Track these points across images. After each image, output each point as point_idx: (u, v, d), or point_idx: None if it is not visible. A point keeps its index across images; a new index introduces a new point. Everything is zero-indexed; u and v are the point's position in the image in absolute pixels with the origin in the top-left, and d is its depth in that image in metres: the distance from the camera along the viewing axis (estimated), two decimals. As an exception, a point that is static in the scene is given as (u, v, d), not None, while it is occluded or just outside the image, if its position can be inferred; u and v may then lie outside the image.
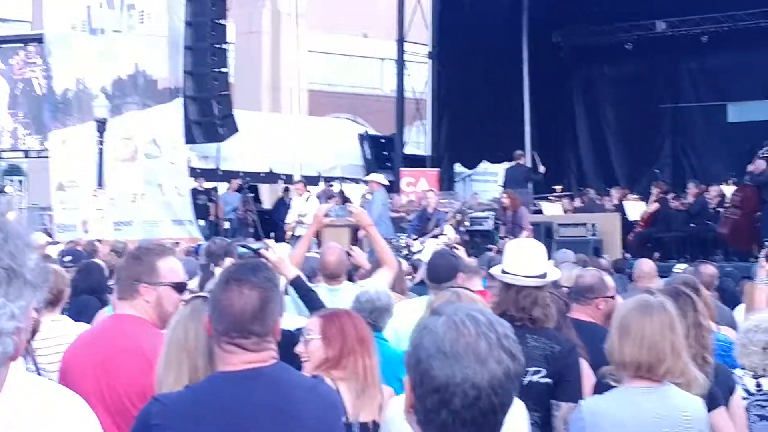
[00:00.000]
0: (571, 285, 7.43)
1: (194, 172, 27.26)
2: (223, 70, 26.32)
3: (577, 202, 25.74)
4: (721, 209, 22.45)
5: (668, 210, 23.09)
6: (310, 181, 27.52)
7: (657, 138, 31.56)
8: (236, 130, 26.09)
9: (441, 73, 30.48)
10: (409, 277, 11.63)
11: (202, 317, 3.83)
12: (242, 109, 30.38)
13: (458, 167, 30.32)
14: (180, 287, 4.70)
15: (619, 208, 23.79)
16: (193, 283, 8.03)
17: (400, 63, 30.56)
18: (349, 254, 8.44)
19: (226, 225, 25.97)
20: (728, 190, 23.21)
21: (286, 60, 35.71)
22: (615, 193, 25.45)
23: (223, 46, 26.40)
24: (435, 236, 21.31)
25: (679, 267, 14.44)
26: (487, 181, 29.50)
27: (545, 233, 20.71)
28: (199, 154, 27.28)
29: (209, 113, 25.76)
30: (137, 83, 27.48)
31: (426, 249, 19.78)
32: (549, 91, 32.12)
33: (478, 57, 29.09)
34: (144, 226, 25.81)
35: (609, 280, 7.31)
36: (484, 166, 30.34)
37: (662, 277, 11.13)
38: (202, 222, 26.03)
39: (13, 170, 43.28)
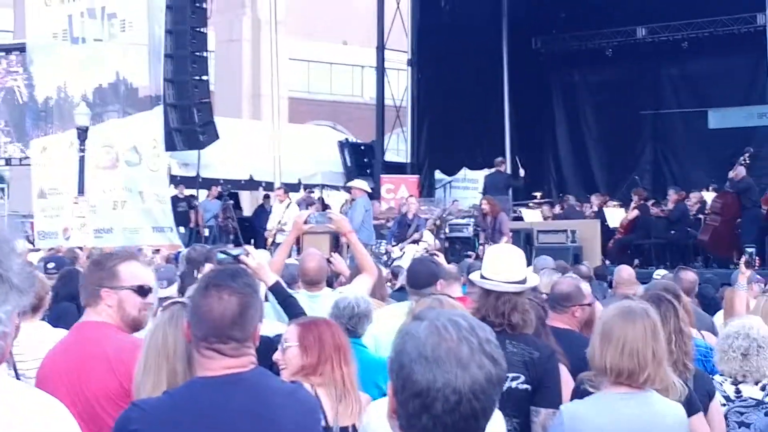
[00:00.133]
0: (550, 292, 7.44)
1: (175, 180, 27.20)
2: (204, 77, 26.26)
3: (557, 209, 25.77)
4: (701, 216, 22.50)
5: (648, 217, 23.09)
6: (290, 188, 27.48)
7: (637, 144, 31.58)
8: (217, 138, 26.04)
9: (421, 81, 30.50)
10: (389, 283, 11.63)
11: (180, 322, 3.83)
12: (223, 117, 30.34)
13: (438, 174, 30.34)
14: (143, 291, 4.69)
15: (599, 215, 23.79)
16: (172, 290, 8.03)
17: (380, 70, 30.57)
18: (329, 261, 8.43)
19: (206, 232, 25.94)
20: (709, 196, 23.24)
21: (266, 67, 35.60)
22: (595, 199, 25.46)
23: (204, 54, 26.34)
24: (414, 242, 21.32)
25: (659, 273, 14.47)
26: (467, 188, 29.56)
27: (525, 240, 20.75)
28: (179, 162, 27.20)
29: (190, 121, 25.70)
30: (118, 91, 27.47)
31: (406, 255, 19.81)
32: (529, 98, 32.16)
33: (458, 64, 29.14)
34: (125, 233, 25.77)
35: (585, 287, 7.32)
36: (464, 173, 30.38)
37: (642, 283, 11.16)
38: (182, 229, 25.99)
39: (-6, 178, 43.17)
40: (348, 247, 12.39)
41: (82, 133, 25.76)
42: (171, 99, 25.87)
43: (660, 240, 22.53)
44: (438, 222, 23.38)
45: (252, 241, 24.35)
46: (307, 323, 5.16)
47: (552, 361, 5.55)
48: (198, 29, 25.99)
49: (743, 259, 9.99)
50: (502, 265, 5.67)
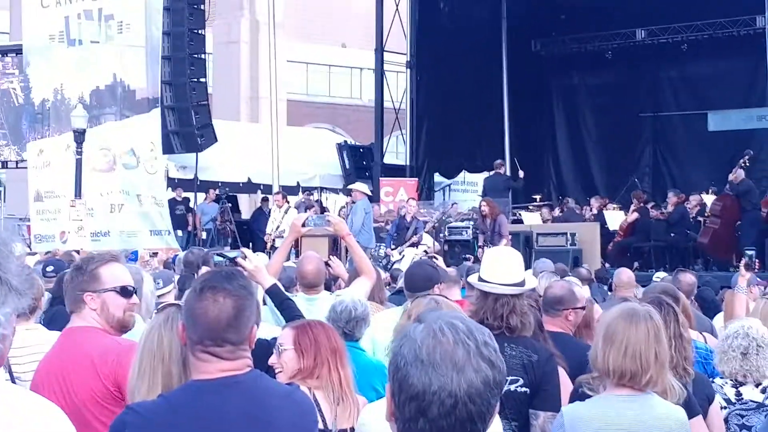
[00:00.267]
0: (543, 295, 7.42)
1: (172, 183, 27.18)
2: (202, 80, 26.26)
3: (557, 212, 25.78)
4: (701, 218, 22.51)
5: (648, 219, 23.12)
6: (289, 190, 27.47)
7: (637, 147, 31.59)
8: (215, 140, 26.03)
9: (420, 83, 30.48)
10: (388, 286, 11.61)
11: (175, 325, 3.82)
12: (221, 119, 30.34)
13: (437, 177, 30.34)
14: (126, 291, 4.70)
15: (599, 218, 23.83)
16: (168, 288, 8.01)
17: (379, 73, 30.55)
18: (327, 264, 8.40)
19: (204, 235, 25.91)
20: (708, 199, 23.27)
21: (264, 70, 35.63)
22: (594, 202, 25.50)
23: (202, 56, 26.34)
24: (414, 245, 21.31)
25: (659, 276, 14.47)
26: (467, 191, 29.57)
27: (525, 242, 20.77)
28: (177, 164, 27.18)
29: (188, 123, 25.68)
30: (115, 93, 27.44)
31: (405, 258, 19.80)
32: (528, 101, 32.17)
33: (457, 66, 29.12)
34: (122, 236, 25.74)
35: (578, 291, 7.30)
36: (464, 175, 30.39)
37: (642, 287, 11.14)
38: (180, 232, 25.97)
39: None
40: (347, 250, 12.37)
41: (79, 136, 25.73)
42: (169, 101, 25.87)
43: (660, 243, 22.54)
44: (437, 225, 23.38)
45: (250, 244, 24.35)
46: (302, 326, 5.13)
47: (551, 364, 5.52)
48: (196, 31, 25.98)
49: (743, 261, 9.98)
50: (501, 268, 5.63)
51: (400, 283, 10.29)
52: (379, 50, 30.37)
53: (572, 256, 19.81)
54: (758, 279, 11.50)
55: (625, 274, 11.13)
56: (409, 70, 30.76)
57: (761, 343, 6.08)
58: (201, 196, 27.48)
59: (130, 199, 26.22)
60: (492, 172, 24.94)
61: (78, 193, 25.68)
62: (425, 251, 19.64)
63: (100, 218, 26.13)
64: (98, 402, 4.35)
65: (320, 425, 4.66)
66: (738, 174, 20.90)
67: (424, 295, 6.02)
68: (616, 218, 23.78)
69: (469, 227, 22.39)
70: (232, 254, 6.39)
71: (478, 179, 27.62)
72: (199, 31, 26.18)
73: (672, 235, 22.35)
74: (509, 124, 31.82)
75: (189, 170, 27.06)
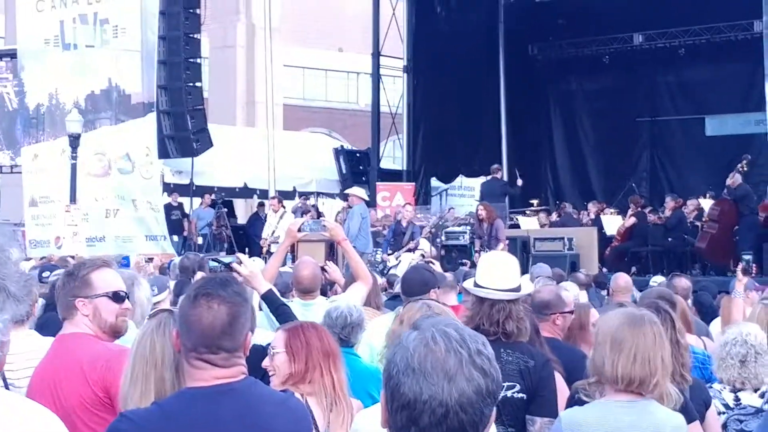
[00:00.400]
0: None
1: (168, 187, 27.17)
2: (198, 84, 26.26)
3: (554, 216, 25.80)
4: (698, 223, 22.53)
5: (645, 224, 23.13)
6: (285, 195, 27.46)
7: (634, 151, 31.65)
8: (210, 145, 26.03)
9: (416, 87, 30.52)
10: (385, 291, 11.59)
11: (168, 330, 3.83)
12: (217, 124, 30.34)
13: (434, 181, 30.33)
14: (118, 297, 4.70)
15: (596, 222, 23.87)
16: (163, 296, 7.98)
17: (376, 77, 30.59)
18: (323, 269, 8.38)
19: (200, 240, 25.89)
20: (706, 203, 23.29)
21: (260, 74, 35.62)
22: (592, 207, 25.55)
23: (198, 60, 26.35)
24: (410, 250, 21.30)
25: (656, 280, 14.47)
26: (464, 196, 29.56)
27: (522, 247, 20.79)
28: (173, 169, 27.19)
29: (183, 128, 25.68)
30: (111, 98, 27.44)
31: (402, 263, 19.78)
32: (525, 105, 32.22)
33: (454, 70, 29.15)
34: (117, 241, 25.72)
35: (566, 295, 7.31)
36: (461, 180, 30.38)
37: (640, 291, 11.13)
38: (175, 237, 25.94)
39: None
40: (344, 255, 12.37)
41: (74, 141, 25.72)
42: (164, 106, 25.86)
43: (657, 247, 22.56)
44: (434, 230, 23.37)
45: (246, 249, 24.31)
46: (294, 328, 5.10)
47: (547, 370, 5.52)
48: (192, 35, 25.98)
49: (740, 266, 9.98)
50: (497, 273, 5.63)
51: (397, 288, 10.28)
52: (376, 55, 30.42)
53: (569, 261, 19.83)
54: (756, 284, 11.49)
55: (622, 279, 11.13)
56: (405, 74, 30.81)
57: (759, 350, 6.09)
58: (197, 201, 27.45)
59: (125, 204, 26.20)
60: (489, 177, 24.94)
61: (73, 198, 25.66)
62: (422, 256, 19.60)
63: (96, 223, 26.10)
64: (87, 408, 4.35)
65: None
66: (735, 179, 20.92)
67: (417, 300, 6.01)
68: (613, 223, 23.79)
69: (466, 232, 22.40)
70: (227, 260, 6.39)
71: (475, 184, 27.62)
72: (195, 36, 26.18)
73: (669, 239, 22.35)
74: (506, 128, 31.86)
75: (185, 175, 27.06)
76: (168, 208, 26.40)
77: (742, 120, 28.25)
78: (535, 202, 27.26)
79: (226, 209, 27.16)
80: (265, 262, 10.66)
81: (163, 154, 26.00)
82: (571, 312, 7.09)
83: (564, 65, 32.43)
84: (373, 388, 5.69)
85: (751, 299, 9.73)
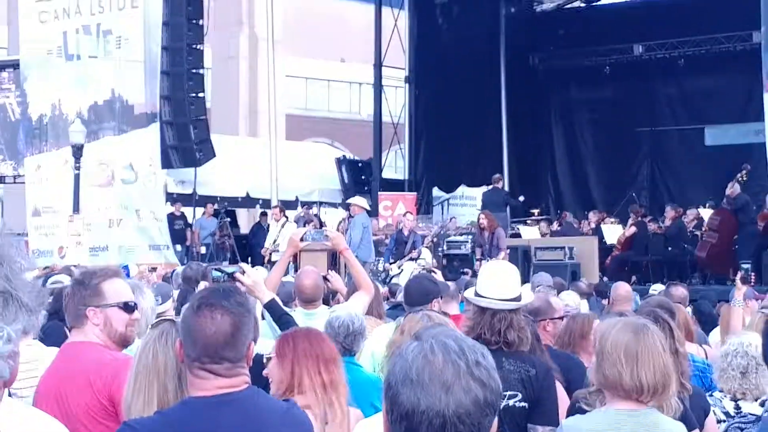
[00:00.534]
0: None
1: (171, 197, 27.17)
2: (200, 94, 26.24)
3: (555, 226, 25.81)
4: (698, 232, 22.55)
5: (646, 234, 23.15)
6: (287, 205, 27.48)
7: (634, 161, 31.67)
8: (213, 155, 26.02)
9: (418, 97, 30.58)
10: (387, 300, 11.62)
11: (170, 340, 3.85)
12: (220, 134, 30.35)
13: (436, 191, 30.35)
14: (128, 307, 4.71)
15: (597, 232, 23.89)
16: (167, 306, 8.01)
17: (378, 87, 30.63)
18: (326, 279, 8.41)
19: (203, 250, 25.88)
20: (705, 213, 23.32)
21: (263, 84, 35.68)
22: (592, 216, 25.57)
23: (200, 71, 26.33)
24: (412, 259, 21.32)
25: (656, 288, 14.49)
26: (465, 205, 29.54)
27: (523, 257, 20.79)
28: (176, 179, 27.18)
29: (186, 138, 25.68)
30: (114, 108, 27.39)
31: (404, 272, 19.80)
32: (526, 115, 32.27)
33: (455, 80, 29.19)
34: (120, 251, 25.70)
35: (555, 301, 7.35)
36: (462, 189, 30.41)
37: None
38: (179, 247, 25.93)
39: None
40: (346, 264, 12.40)
41: (77, 151, 25.75)
42: (167, 116, 25.85)
43: (657, 256, 22.57)
44: (435, 239, 23.41)
45: (249, 258, 24.34)
46: (286, 334, 5.04)
47: (549, 378, 5.53)
48: (194, 46, 25.99)
49: (739, 275, 10.01)
50: (498, 282, 5.62)
51: (399, 297, 10.31)
52: (378, 65, 30.48)
53: (570, 270, 19.82)
54: (755, 293, 11.52)
55: (622, 288, 11.12)
56: (407, 84, 30.89)
57: (760, 362, 6.05)
58: (199, 210, 27.46)
59: (128, 214, 26.20)
60: (491, 187, 24.95)
61: (76, 208, 25.69)
62: (423, 266, 19.63)
63: (99, 233, 26.11)
64: (92, 416, 4.36)
65: None
66: (734, 188, 20.94)
67: (418, 311, 6.03)
68: (614, 232, 23.82)
69: (467, 241, 22.43)
70: (230, 269, 6.38)
71: (476, 193, 27.60)
72: (198, 46, 26.19)
73: (669, 249, 22.38)
74: (507, 138, 31.88)
75: (188, 185, 27.06)
76: (171, 217, 26.38)
77: (742, 130, 28.23)
78: (536, 211, 27.27)
79: (228, 219, 27.17)
80: (268, 272, 10.70)
81: (166, 164, 26.00)
82: (561, 318, 7.12)
83: (565, 75, 32.48)
84: (375, 398, 5.69)
85: (750, 308, 9.77)
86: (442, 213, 28.06)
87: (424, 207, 29.60)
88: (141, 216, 26.05)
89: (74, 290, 4.74)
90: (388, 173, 31.42)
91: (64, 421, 4.24)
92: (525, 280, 10.84)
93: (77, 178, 25.70)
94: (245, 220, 34.41)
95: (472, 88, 29.76)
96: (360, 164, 31.36)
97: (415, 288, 7.77)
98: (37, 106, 28.62)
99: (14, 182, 31.66)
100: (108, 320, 4.61)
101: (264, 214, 27.73)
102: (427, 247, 22.70)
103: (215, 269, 6.57)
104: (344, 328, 6.40)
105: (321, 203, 31.05)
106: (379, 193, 28.91)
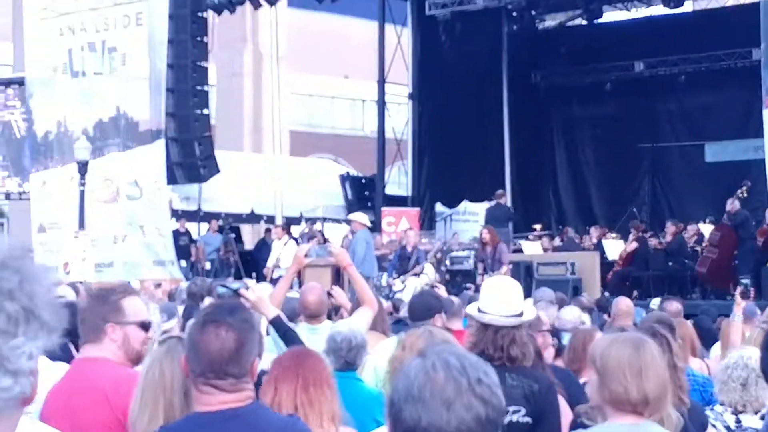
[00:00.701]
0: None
1: (176, 214, 27.21)
2: (205, 111, 26.32)
3: (557, 241, 25.82)
4: (698, 248, 22.60)
5: (647, 249, 23.20)
6: (291, 221, 27.54)
7: (636, 177, 31.68)
8: (218, 171, 26.08)
9: (421, 114, 30.61)
10: (390, 315, 11.66)
11: (177, 356, 3.87)
12: (224, 150, 30.38)
13: (439, 207, 30.37)
14: (145, 326, 4.72)
15: (598, 247, 23.89)
16: (172, 323, 8.07)
17: (381, 104, 30.65)
18: (330, 294, 8.47)
19: (208, 266, 25.90)
20: (706, 228, 23.36)
21: (267, 101, 35.76)
22: (594, 232, 25.58)
23: (205, 87, 26.42)
24: (416, 275, 21.38)
25: (655, 302, 14.56)
26: (468, 221, 29.56)
27: (525, 272, 20.80)
28: (180, 196, 27.23)
29: (191, 154, 25.74)
30: (119, 125, 27.45)
31: (407, 288, 19.86)
32: (528, 131, 32.31)
33: (458, 97, 29.23)
34: (125, 267, 25.71)
35: (543, 315, 7.40)
36: (465, 205, 30.44)
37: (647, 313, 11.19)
38: (183, 263, 25.96)
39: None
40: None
41: (83, 167, 25.78)
42: (172, 133, 25.92)
43: (658, 272, 22.59)
44: (439, 255, 23.45)
45: (254, 274, 24.34)
46: (279, 354, 5.03)
47: (552, 394, 5.56)
48: (199, 63, 26.09)
49: (738, 290, 10.05)
50: (500, 298, 5.63)
51: (402, 312, 10.37)
52: (381, 82, 30.50)
53: (572, 286, 19.83)
54: (758, 310, 11.54)
55: (623, 303, 11.16)
56: (410, 101, 30.91)
57: (760, 374, 6.09)
58: (204, 226, 27.49)
59: (133, 230, 26.22)
60: (493, 203, 24.99)
61: (81, 225, 25.70)
62: (426, 282, 19.70)
63: (104, 249, 26.11)
64: (108, 430, 4.37)
65: None
66: (734, 204, 21.00)
67: (419, 326, 6.08)
68: (615, 248, 23.85)
69: (470, 257, 22.48)
70: (235, 285, 6.43)
71: (479, 209, 27.62)
72: (202, 63, 26.29)
73: (670, 264, 22.43)
74: (510, 154, 31.90)
75: (192, 201, 27.11)
76: (176, 234, 26.42)
77: (742, 146, 28.22)
78: (538, 227, 27.31)
79: (233, 235, 27.19)
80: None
81: (171, 180, 26.06)
82: (549, 331, 7.17)
83: (566, 92, 32.51)
84: (377, 413, 5.72)
85: (755, 323, 9.80)
86: (445, 228, 28.07)
87: (427, 222, 29.59)
88: (146, 232, 26.08)
89: (93, 305, 4.75)
90: (391, 189, 31.42)
91: (74, 433, 4.32)
92: (527, 295, 10.86)
93: (82, 194, 25.73)
94: (250, 236, 34.39)
95: (474, 105, 29.81)
96: (363, 180, 31.38)
97: (419, 303, 7.83)
98: (43, 123, 28.67)
99: (20, 198, 31.64)
100: (127, 338, 4.62)
101: (268, 231, 27.73)
102: (430, 262, 22.75)
103: (220, 285, 6.63)
104: (346, 343, 6.44)
105: (325, 219, 31.05)
106: (382, 208, 28.91)
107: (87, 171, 25.80)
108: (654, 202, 31.22)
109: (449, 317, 8.34)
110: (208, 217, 27.51)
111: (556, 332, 8.50)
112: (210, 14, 26.77)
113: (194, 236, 26.97)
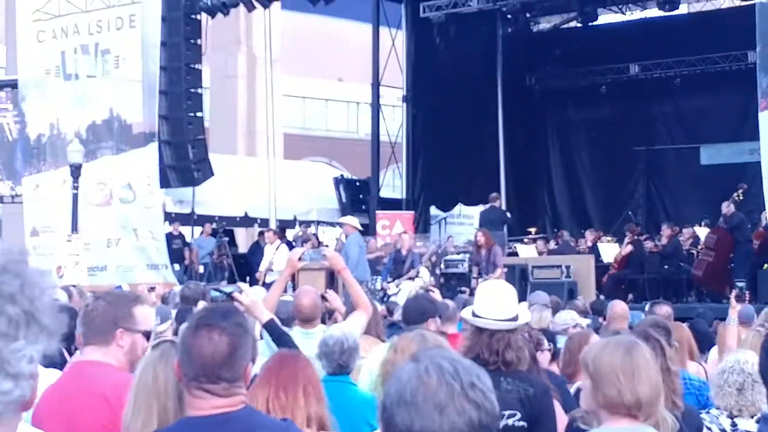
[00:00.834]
0: (540, 327, 7.48)
1: (169, 217, 27.16)
2: (198, 114, 26.29)
3: (552, 244, 25.81)
4: (694, 251, 22.61)
5: (642, 252, 23.20)
6: (285, 224, 27.49)
7: (631, 180, 31.75)
8: (211, 174, 26.05)
9: (416, 117, 30.61)
10: (384, 319, 11.64)
11: (170, 360, 3.85)
12: (218, 153, 30.38)
13: (434, 210, 30.37)
14: (148, 335, 4.77)
15: (593, 250, 23.92)
16: (165, 326, 8.03)
17: (375, 107, 30.66)
18: (324, 298, 8.44)
19: (201, 269, 25.86)
20: (701, 231, 23.38)
21: (261, 104, 35.74)
22: (589, 235, 25.62)
23: (198, 90, 26.38)
24: (410, 278, 21.36)
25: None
26: (462, 224, 29.57)
27: (520, 275, 20.82)
28: (174, 199, 27.17)
29: (184, 157, 25.72)
30: (112, 128, 27.39)
31: (402, 292, 19.83)
32: (523, 134, 32.37)
33: (453, 100, 29.24)
34: (119, 270, 25.66)
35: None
36: (460, 208, 30.45)
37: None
38: (177, 266, 25.91)
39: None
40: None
41: (76, 171, 25.72)
42: (165, 136, 25.89)
43: (654, 275, 22.58)
44: (433, 258, 23.44)
45: (247, 278, 24.31)
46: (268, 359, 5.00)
47: (547, 397, 5.57)
48: (192, 66, 26.05)
49: (733, 293, 10.04)
50: (495, 302, 5.64)
51: (397, 315, 10.34)
52: (376, 85, 30.52)
53: (567, 289, 19.85)
54: (754, 313, 11.52)
55: (618, 306, 11.15)
56: (405, 104, 30.90)
57: (756, 378, 6.06)
58: (198, 230, 27.45)
59: (126, 234, 26.17)
60: (488, 206, 24.99)
61: (74, 228, 25.64)
62: (421, 285, 19.67)
63: (97, 253, 26.06)
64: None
65: None
66: (730, 207, 21.01)
67: (412, 330, 6.05)
68: (610, 251, 23.87)
69: (464, 260, 22.49)
70: (228, 289, 6.41)
71: (474, 212, 27.65)
72: (196, 66, 26.25)
73: (666, 267, 22.42)
74: (504, 157, 31.92)
75: (186, 204, 27.06)
76: (169, 237, 26.36)
77: (737, 149, 28.30)
78: (533, 230, 27.34)
79: (227, 238, 27.14)
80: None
81: (165, 183, 26.01)
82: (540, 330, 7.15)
83: (561, 95, 32.58)
84: (370, 416, 5.71)
85: (753, 326, 9.78)
86: (440, 232, 28.08)
87: (422, 226, 29.58)
88: (139, 235, 26.02)
89: (105, 309, 4.74)
90: (385, 192, 31.42)
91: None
92: (522, 298, 10.88)
93: (75, 197, 25.67)
94: (243, 239, 34.39)
95: (469, 108, 29.82)
96: (358, 183, 31.38)
97: (413, 307, 7.83)
98: (36, 126, 28.61)
99: (12, 202, 31.60)
100: (134, 345, 4.65)
101: (262, 234, 27.72)
102: (425, 266, 22.74)
103: (214, 289, 6.61)
104: (338, 346, 6.42)
105: (319, 222, 31.05)
106: (376, 212, 28.92)
107: (80, 174, 25.74)
108: (649, 204, 31.29)
109: (444, 321, 8.34)
110: (202, 220, 27.48)
111: (551, 336, 8.49)
112: (203, 17, 26.71)
113: (188, 239, 26.90)
